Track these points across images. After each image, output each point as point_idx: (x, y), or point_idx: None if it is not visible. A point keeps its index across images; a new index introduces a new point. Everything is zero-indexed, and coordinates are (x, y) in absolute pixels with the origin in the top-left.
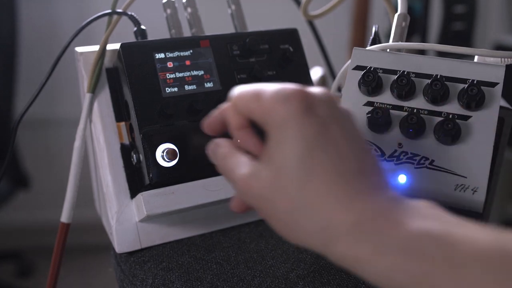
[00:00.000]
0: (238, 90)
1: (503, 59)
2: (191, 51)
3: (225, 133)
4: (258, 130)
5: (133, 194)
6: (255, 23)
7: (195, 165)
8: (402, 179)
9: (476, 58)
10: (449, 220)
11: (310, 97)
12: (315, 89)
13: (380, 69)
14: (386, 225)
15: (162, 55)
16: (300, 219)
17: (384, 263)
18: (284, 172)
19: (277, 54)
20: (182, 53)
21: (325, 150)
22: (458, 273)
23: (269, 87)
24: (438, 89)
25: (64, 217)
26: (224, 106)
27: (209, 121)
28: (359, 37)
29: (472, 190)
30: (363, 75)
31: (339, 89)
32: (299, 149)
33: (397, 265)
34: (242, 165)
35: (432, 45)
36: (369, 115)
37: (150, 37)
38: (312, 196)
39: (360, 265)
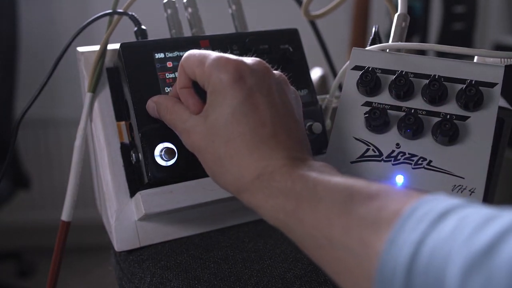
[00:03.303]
0: (187, 53)
1: (502, 59)
2: None
3: None
4: (201, 91)
5: (132, 193)
6: (256, 23)
7: (194, 164)
8: (399, 179)
9: (475, 59)
10: (327, 171)
11: (243, 67)
12: (251, 60)
13: (379, 69)
14: (278, 177)
15: (161, 55)
16: (222, 169)
17: (271, 205)
18: (214, 130)
19: (277, 54)
20: (181, 53)
21: (246, 116)
22: (316, 207)
23: (212, 54)
24: (436, 89)
25: (65, 216)
26: None
27: (172, 89)
28: (359, 37)
29: (469, 191)
30: (361, 75)
31: (340, 88)
32: (227, 112)
33: (278, 206)
34: (184, 119)
35: (431, 45)
36: (367, 115)
37: (150, 37)
38: (232, 152)
39: (258, 209)
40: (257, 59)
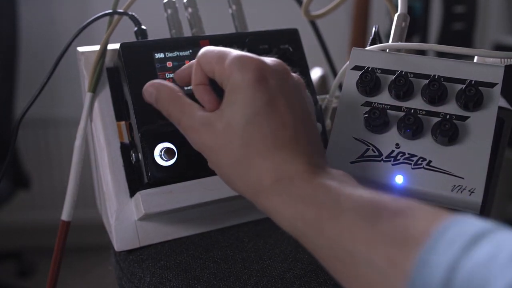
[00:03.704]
0: (205, 49)
1: (502, 59)
2: (190, 51)
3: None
4: (216, 89)
5: (132, 193)
6: (256, 23)
7: (193, 164)
8: (399, 179)
9: (475, 59)
10: (348, 182)
11: (265, 68)
12: (271, 61)
13: (379, 69)
14: (298, 183)
15: (161, 55)
16: (239, 172)
17: (289, 212)
18: (233, 130)
19: (277, 54)
20: (181, 53)
21: (268, 117)
22: (338, 218)
23: (232, 52)
24: (436, 89)
25: (65, 215)
26: (194, 61)
27: (179, 72)
28: (359, 37)
29: (469, 191)
30: (361, 75)
31: (340, 88)
32: (248, 113)
33: (297, 213)
34: (191, 114)
35: (431, 46)
36: (366, 115)
37: (150, 37)
38: (252, 154)
39: (275, 215)
40: (278, 60)
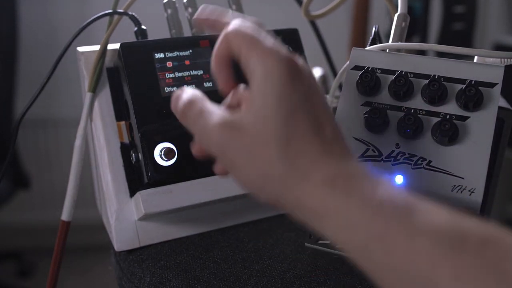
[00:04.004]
0: (237, 26)
1: (502, 59)
2: (190, 51)
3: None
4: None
5: (132, 193)
6: None
7: (193, 164)
8: (399, 179)
9: (475, 59)
10: (411, 193)
11: (300, 65)
12: (301, 60)
13: (378, 69)
14: (356, 185)
15: (161, 55)
16: (280, 172)
17: (348, 218)
18: (268, 127)
19: None
20: (181, 53)
21: (307, 113)
22: (410, 240)
23: (268, 39)
24: (436, 89)
25: (65, 215)
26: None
27: (208, 19)
28: (359, 37)
29: (469, 191)
30: (361, 75)
31: (340, 88)
32: (286, 108)
33: (358, 221)
34: (214, 111)
35: (431, 45)
36: (367, 115)
37: (150, 37)
38: (294, 151)
39: (325, 218)
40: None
